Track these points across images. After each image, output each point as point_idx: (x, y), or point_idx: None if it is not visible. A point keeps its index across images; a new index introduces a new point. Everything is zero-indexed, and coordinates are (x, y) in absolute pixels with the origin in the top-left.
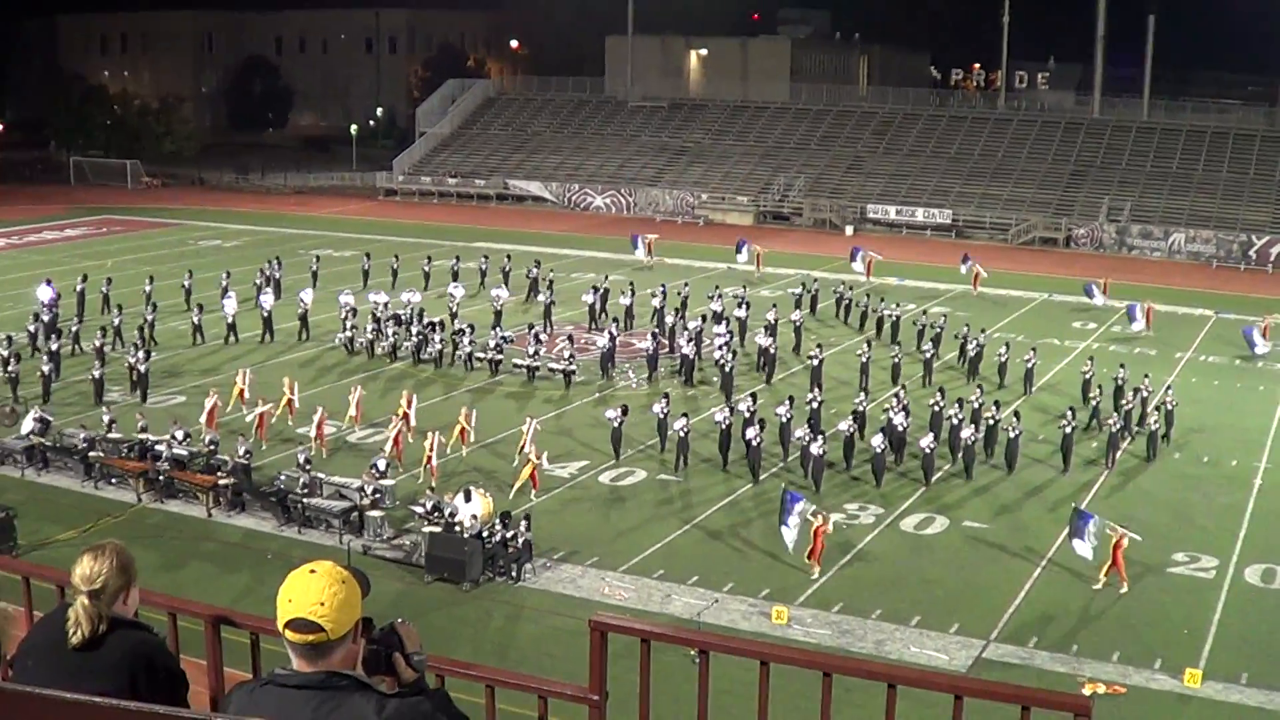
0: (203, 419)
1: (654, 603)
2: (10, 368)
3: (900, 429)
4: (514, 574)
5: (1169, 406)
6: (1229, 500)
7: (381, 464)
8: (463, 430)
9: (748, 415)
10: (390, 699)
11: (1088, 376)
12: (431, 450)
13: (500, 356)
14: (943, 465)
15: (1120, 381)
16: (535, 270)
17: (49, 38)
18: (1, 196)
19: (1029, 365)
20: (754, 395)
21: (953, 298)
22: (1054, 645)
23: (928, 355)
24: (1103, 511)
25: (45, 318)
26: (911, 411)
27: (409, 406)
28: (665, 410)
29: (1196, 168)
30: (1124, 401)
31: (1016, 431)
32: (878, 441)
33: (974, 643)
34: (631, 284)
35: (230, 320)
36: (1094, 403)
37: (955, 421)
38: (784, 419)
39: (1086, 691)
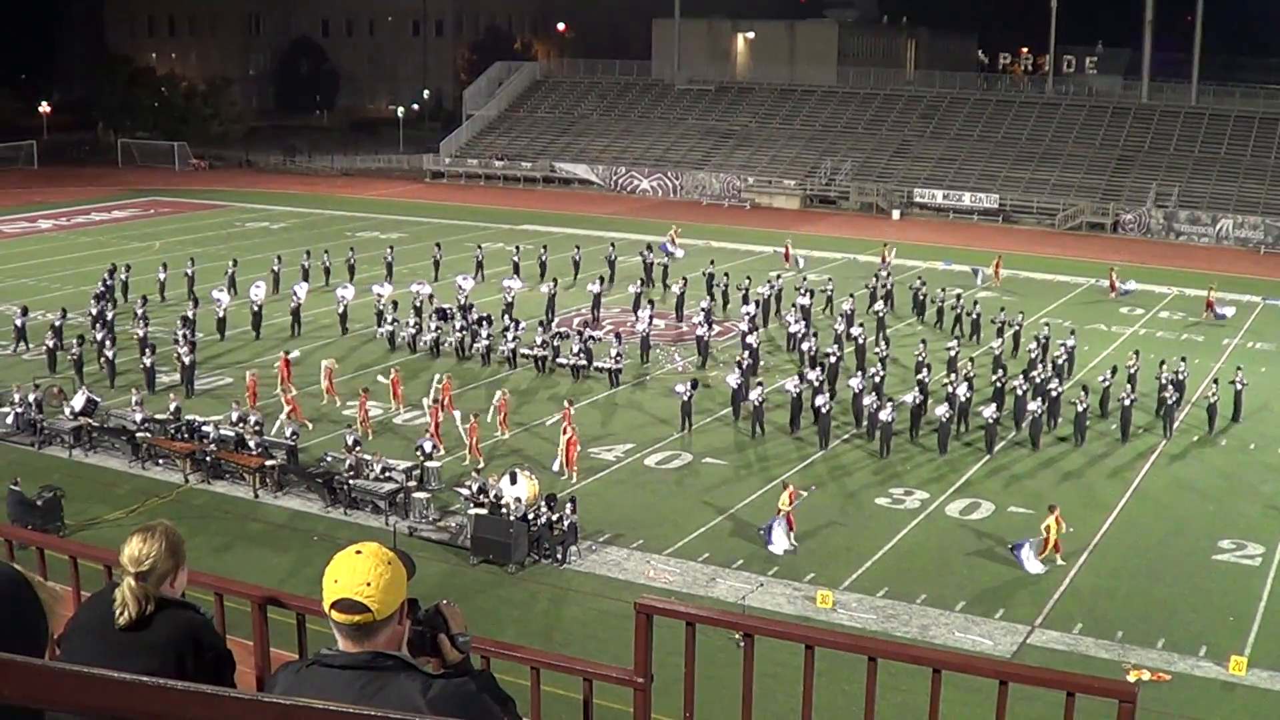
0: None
1: (699, 586)
2: (74, 351)
3: (964, 399)
4: (559, 556)
5: (1211, 399)
6: (1275, 487)
7: (427, 445)
8: (503, 412)
9: (816, 384)
10: (435, 680)
11: (1132, 371)
12: (474, 432)
13: (546, 354)
14: (1005, 434)
15: (1182, 376)
16: (648, 254)
17: (96, 19)
18: (50, 178)
19: (1060, 360)
20: (822, 365)
21: (1000, 282)
22: (1098, 632)
23: (952, 353)
24: (1158, 480)
25: (94, 310)
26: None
27: (446, 393)
28: (739, 381)
29: (1244, 153)
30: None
31: (1084, 405)
32: (943, 410)
33: (1019, 628)
34: (711, 275)
35: (221, 315)
36: (1169, 401)
37: (1020, 393)
38: (855, 390)
39: (1131, 678)
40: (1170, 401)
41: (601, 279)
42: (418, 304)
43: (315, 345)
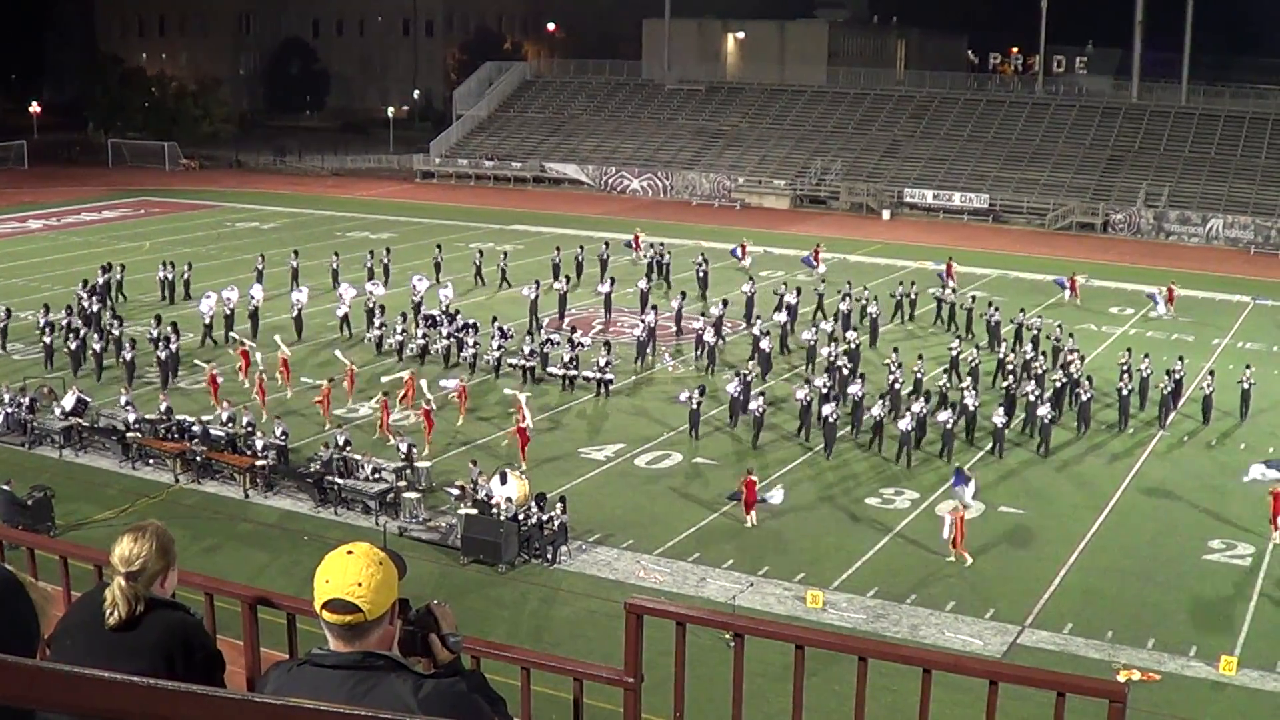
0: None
1: (689, 586)
2: (72, 345)
3: (972, 409)
4: (550, 556)
5: (1206, 390)
6: (1265, 487)
7: (403, 446)
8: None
9: (824, 392)
10: (426, 680)
11: (1125, 368)
12: (385, 410)
13: (534, 363)
14: (1012, 435)
15: (1179, 375)
16: (607, 251)
17: (86, 19)
18: (40, 178)
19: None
20: (830, 373)
21: (989, 282)
22: (1089, 631)
23: (954, 353)
24: (1150, 479)
25: (90, 305)
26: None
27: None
28: (740, 390)
29: (1235, 153)
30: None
31: (1088, 395)
32: (945, 416)
33: (1009, 628)
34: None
35: (207, 321)
36: (1164, 391)
37: (1032, 399)
38: (856, 397)
39: (1121, 678)
40: (1166, 392)
41: (567, 279)
42: (370, 305)
43: (271, 351)
